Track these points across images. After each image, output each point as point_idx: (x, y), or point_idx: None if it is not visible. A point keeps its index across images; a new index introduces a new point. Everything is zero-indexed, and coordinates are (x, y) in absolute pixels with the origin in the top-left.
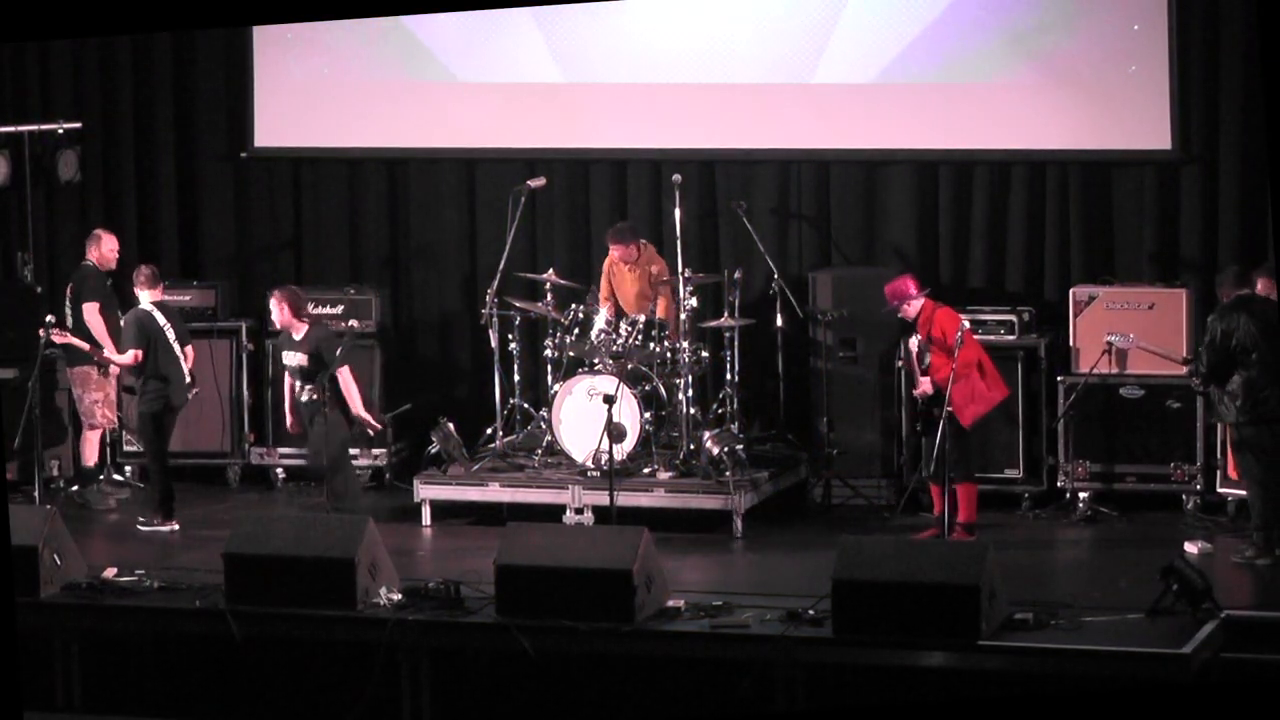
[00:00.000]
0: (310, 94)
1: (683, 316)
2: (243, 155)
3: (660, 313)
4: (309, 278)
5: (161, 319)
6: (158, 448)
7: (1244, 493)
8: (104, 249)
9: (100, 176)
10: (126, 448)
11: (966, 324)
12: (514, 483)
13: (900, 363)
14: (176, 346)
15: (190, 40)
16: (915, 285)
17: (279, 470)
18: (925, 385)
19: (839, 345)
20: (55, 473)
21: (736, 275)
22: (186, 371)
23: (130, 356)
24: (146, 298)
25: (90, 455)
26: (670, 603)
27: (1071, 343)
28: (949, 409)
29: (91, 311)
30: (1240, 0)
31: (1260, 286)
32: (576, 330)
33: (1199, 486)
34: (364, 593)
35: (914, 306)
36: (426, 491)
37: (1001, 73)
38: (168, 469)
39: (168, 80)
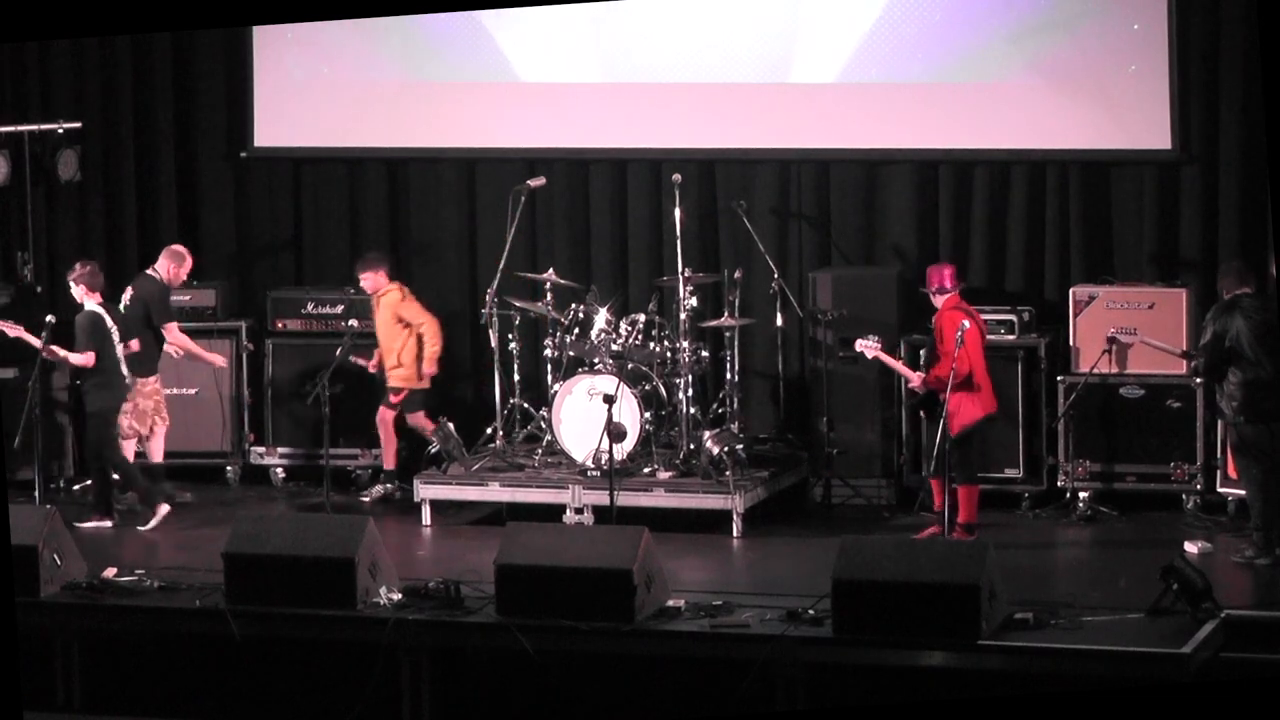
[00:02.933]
0: (310, 94)
1: (682, 316)
2: (243, 155)
3: (396, 363)
4: (309, 278)
5: (109, 321)
6: (102, 445)
7: (1244, 492)
8: (183, 269)
9: (100, 176)
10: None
11: (966, 324)
12: (514, 483)
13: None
14: (119, 346)
15: (190, 40)
16: (950, 279)
17: (279, 470)
18: (915, 381)
19: (839, 345)
20: (55, 472)
21: (736, 275)
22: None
23: (87, 358)
24: (91, 299)
25: (151, 455)
26: (670, 603)
27: (1071, 343)
28: (945, 411)
29: (174, 330)
30: (1240, 0)
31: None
32: (576, 330)
33: (1199, 486)
34: (364, 593)
35: (939, 299)
36: (426, 491)
37: (1001, 73)
38: (115, 466)
39: (168, 80)
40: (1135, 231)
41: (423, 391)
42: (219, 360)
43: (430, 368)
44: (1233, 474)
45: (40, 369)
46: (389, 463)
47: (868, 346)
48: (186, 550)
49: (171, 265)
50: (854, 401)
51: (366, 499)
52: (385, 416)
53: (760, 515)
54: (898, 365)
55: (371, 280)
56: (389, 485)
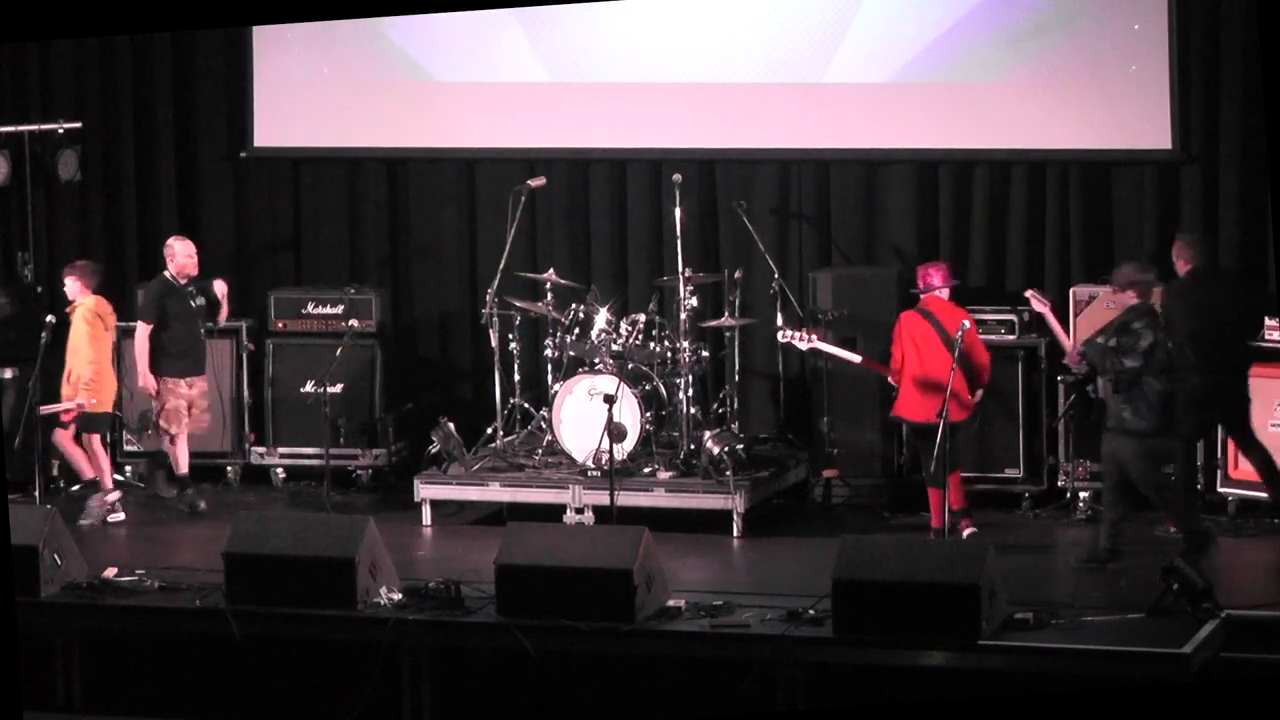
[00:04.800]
0: (310, 94)
1: (682, 316)
2: (243, 155)
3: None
4: (309, 278)
5: None
6: None
7: (1244, 492)
8: (180, 257)
9: (100, 176)
10: (127, 447)
11: (967, 324)
12: (514, 483)
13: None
14: None
15: (190, 40)
16: (940, 277)
17: (279, 470)
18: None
19: (839, 345)
20: (55, 473)
21: (736, 275)
22: None
23: None
24: None
25: (178, 463)
26: (670, 603)
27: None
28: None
29: (140, 333)
30: (1240, 0)
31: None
32: (576, 330)
33: (1199, 487)
34: (364, 593)
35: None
36: (426, 491)
37: (1001, 73)
38: None
39: (168, 80)
40: (1135, 231)
41: (101, 415)
42: (145, 381)
43: (82, 397)
44: (1233, 474)
45: (40, 369)
46: (106, 481)
47: (797, 337)
48: (186, 550)
49: (168, 260)
50: (854, 401)
51: (87, 523)
52: (61, 436)
53: (760, 515)
54: (843, 353)
55: (69, 287)
56: (107, 500)
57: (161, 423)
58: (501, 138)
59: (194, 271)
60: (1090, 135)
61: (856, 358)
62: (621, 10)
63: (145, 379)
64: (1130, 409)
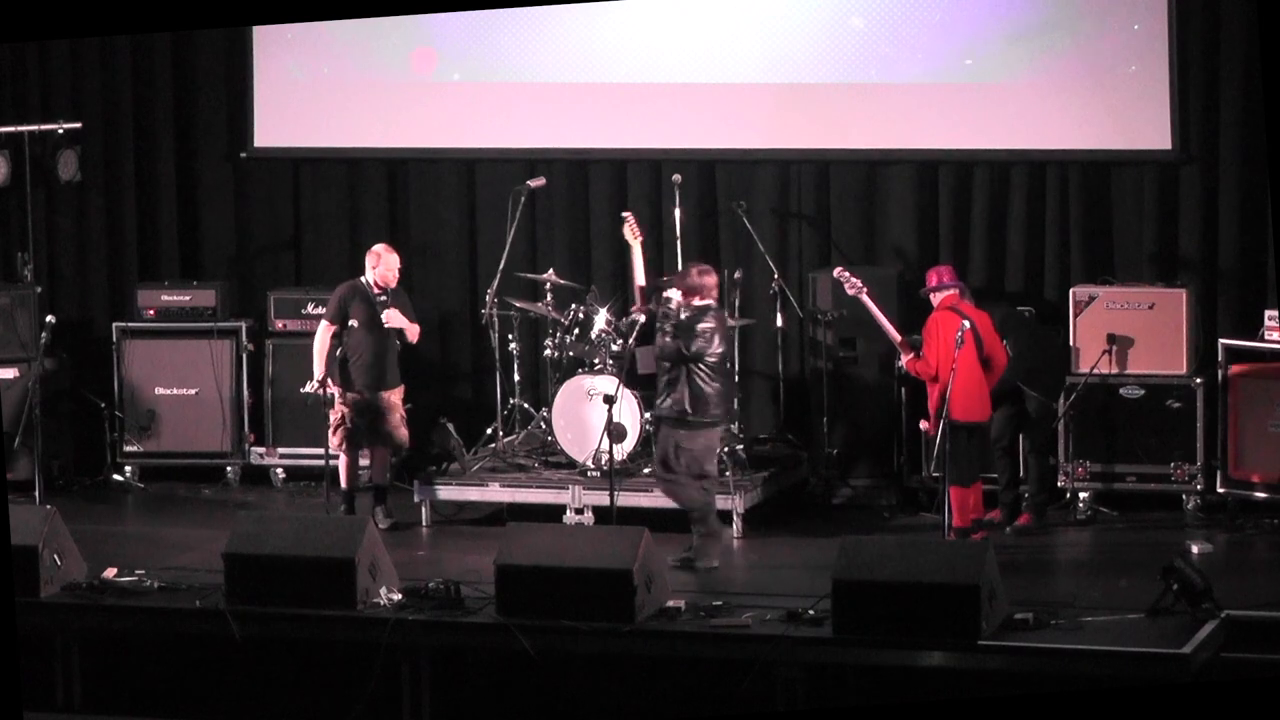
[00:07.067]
0: (310, 94)
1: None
2: (243, 155)
3: None
4: (309, 278)
5: None
6: None
7: (1244, 492)
8: (383, 267)
9: (100, 176)
10: (127, 448)
11: (967, 324)
12: (514, 483)
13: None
14: None
15: (190, 40)
16: (949, 275)
17: (279, 470)
18: (905, 358)
19: (839, 345)
20: (55, 472)
21: (736, 275)
22: None
23: None
24: None
25: (344, 479)
26: (670, 603)
27: (1071, 343)
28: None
29: (321, 332)
30: (1240, 0)
31: None
32: (576, 330)
33: (1199, 486)
34: (364, 593)
35: (936, 297)
36: (426, 492)
37: (1001, 73)
38: None
39: (168, 80)
40: (1135, 231)
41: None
42: (319, 382)
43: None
44: (1233, 473)
45: (40, 369)
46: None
47: (850, 280)
48: (186, 550)
49: (369, 267)
50: (854, 401)
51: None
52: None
53: (760, 515)
54: (884, 321)
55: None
56: None
57: (335, 436)
58: (501, 138)
59: (394, 283)
60: (1090, 135)
61: (895, 334)
62: (622, 10)
63: (320, 379)
64: (669, 394)
